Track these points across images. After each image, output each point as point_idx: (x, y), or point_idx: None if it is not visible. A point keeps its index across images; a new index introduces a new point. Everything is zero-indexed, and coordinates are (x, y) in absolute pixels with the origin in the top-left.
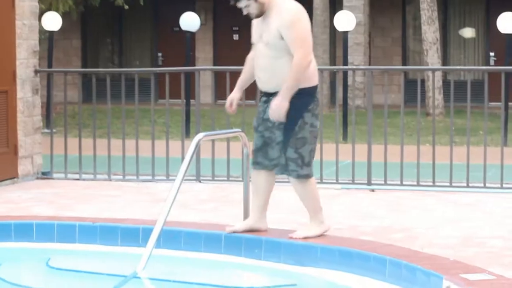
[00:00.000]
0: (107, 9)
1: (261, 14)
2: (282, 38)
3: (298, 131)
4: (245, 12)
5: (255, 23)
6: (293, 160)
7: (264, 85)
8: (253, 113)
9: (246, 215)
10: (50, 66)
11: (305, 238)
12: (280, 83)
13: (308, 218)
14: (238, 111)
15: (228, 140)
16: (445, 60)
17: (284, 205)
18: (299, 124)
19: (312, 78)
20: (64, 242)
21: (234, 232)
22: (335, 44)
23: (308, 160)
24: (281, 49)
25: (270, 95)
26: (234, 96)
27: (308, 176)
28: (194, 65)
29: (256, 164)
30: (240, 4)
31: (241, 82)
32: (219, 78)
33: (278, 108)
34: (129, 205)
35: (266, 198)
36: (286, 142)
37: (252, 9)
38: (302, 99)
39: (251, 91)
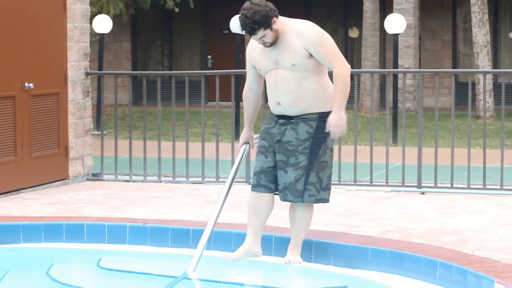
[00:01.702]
0: (157, 12)
1: (275, 41)
2: (310, 57)
3: (321, 155)
4: (260, 43)
5: (260, 52)
6: (313, 184)
7: (287, 110)
8: None
9: None
10: (100, 68)
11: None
12: (307, 106)
13: (290, 243)
14: None
15: None
16: (495, 63)
17: (331, 207)
18: (322, 148)
19: (331, 102)
20: (115, 243)
21: (234, 260)
22: (385, 47)
23: (326, 184)
24: (309, 69)
25: (289, 118)
26: (248, 136)
27: (325, 200)
28: (244, 67)
29: (260, 187)
30: (256, 37)
31: (250, 122)
32: None
33: (340, 122)
34: (179, 206)
35: (264, 222)
36: (310, 167)
37: (267, 38)
38: (324, 123)
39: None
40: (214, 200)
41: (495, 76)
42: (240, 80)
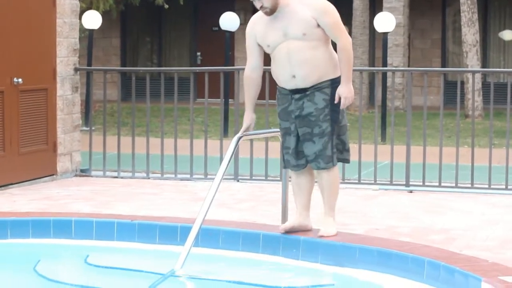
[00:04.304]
0: (147, 8)
1: (274, 9)
2: (318, 26)
3: (342, 119)
4: (258, 6)
5: (265, 27)
6: (336, 145)
7: (302, 82)
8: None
9: (284, 214)
10: (89, 64)
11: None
12: (321, 74)
13: (323, 213)
14: (275, 111)
15: (266, 139)
16: (484, 62)
17: (319, 205)
18: (341, 112)
19: (338, 68)
20: (103, 239)
21: (285, 230)
22: (375, 45)
23: (348, 146)
24: (318, 39)
25: (303, 91)
26: (251, 118)
27: (347, 161)
28: (233, 64)
29: (294, 166)
30: None
31: (251, 103)
32: None
33: (350, 93)
34: (167, 203)
35: (310, 196)
36: (333, 131)
37: (267, 3)
38: (336, 87)
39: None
40: (202, 197)
41: (484, 75)
42: (229, 77)
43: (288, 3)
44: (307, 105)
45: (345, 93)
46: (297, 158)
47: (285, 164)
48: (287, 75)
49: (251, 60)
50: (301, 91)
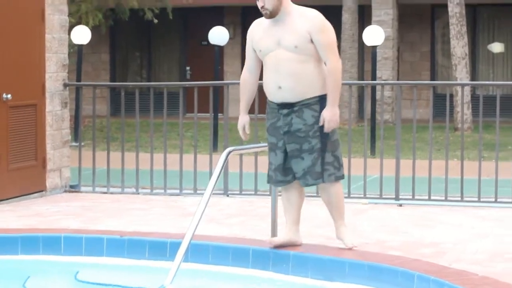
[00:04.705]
0: (136, 23)
1: (275, 14)
2: (311, 42)
3: (332, 135)
4: (260, 4)
5: (262, 33)
6: (331, 163)
7: (286, 95)
8: None
9: (274, 229)
10: (79, 79)
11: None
12: (307, 91)
13: (335, 226)
14: (265, 125)
15: (255, 154)
16: (473, 75)
17: (309, 219)
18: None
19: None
20: (92, 255)
21: (275, 246)
22: (364, 58)
23: (342, 162)
24: (310, 54)
25: (291, 106)
26: (245, 120)
27: (343, 177)
28: (222, 79)
29: (278, 182)
30: None
31: (246, 105)
32: None
33: (334, 117)
34: (157, 218)
35: (299, 211)
36: (324, 148)
37: (268, 3)
38: (324, 104)
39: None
40: (192, 212)
41: (473, 88)
42: (219, 91)
43: (290, 12)
44: (296, 121)
45: (329, 116)
46: (284, 174)
47: (268, 179)
48: (274, 85)
49: (248, 62)
50: (289, 106)
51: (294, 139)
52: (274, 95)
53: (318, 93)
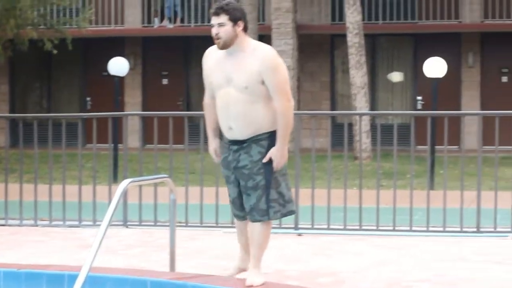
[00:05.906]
0: (36, 54)
1: (227, 45)
2: (262, 83)
3: (277, 171)
4: (215, 32)
5: (214, 64)
6: (275, 200)
7: (236, 134)
8: (180, 158)
9: (172, 260)
10: None
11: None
12: (257, 129)
13: (251, 264)
14: (164, 156)
15: (155, 185)
16: (373, 104)
17: (207, 249)
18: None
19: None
20: None
21: (229, 275)
22: None
23: (288, 197)
24: (259, 95)
25: (241, 143)
26: (215, 145)
27: (292, 212)
28: (123, 109)
29: (235, 215)
30: (216, 20)
31: (213, 130)
32: (147, 122)
33: (282, 158)
34: (55, 251)
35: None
36: (268, 185)
37: (223, 33)
38: (274, 140)
39: (178, 137)
40: (91, 243)
41: (373, 117)
42: (118, 122)
43: (244, 48)
44: (243, 157)
45: (278, 157)
46: (240, 209)
47: (231, 210)
48: (225, 125)
49: (208, 87)
50: (239, 143)
51: (241, 175)
52: (226, 133)
53: (268, 129)
